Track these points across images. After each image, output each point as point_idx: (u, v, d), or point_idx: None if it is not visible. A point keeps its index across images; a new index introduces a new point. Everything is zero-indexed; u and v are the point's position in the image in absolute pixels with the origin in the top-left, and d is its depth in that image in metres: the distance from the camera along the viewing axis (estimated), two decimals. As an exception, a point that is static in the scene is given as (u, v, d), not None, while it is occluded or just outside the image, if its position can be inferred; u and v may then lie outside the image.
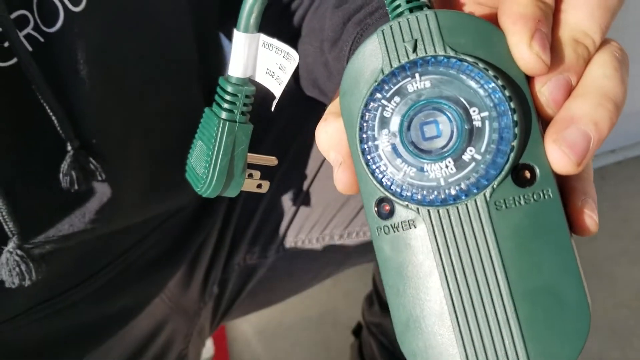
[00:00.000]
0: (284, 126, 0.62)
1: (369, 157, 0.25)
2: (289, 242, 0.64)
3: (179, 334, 0.64)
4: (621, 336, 1.00)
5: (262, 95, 0.37)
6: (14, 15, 0.40)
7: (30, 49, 0.41)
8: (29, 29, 0.41)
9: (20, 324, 0.50)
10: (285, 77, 0.32)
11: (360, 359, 0.89)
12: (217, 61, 0.60)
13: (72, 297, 0.53)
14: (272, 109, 0.32)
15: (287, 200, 0.63)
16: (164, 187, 0.54)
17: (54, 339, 0.54)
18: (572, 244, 0.24)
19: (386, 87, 0.25)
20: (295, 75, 0.57)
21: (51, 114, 0.42)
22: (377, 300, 0.83)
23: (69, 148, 0.43)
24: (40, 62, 0.40)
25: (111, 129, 0.46)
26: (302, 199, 0.63)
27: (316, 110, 0.61)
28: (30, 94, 0.41)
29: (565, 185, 0.25)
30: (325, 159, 0.61)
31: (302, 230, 0.63)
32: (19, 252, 0.43)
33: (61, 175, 0.44)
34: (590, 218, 0.25)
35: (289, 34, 0.51)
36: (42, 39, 0.41)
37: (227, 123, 0.34)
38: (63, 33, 0.41)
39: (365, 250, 0.65)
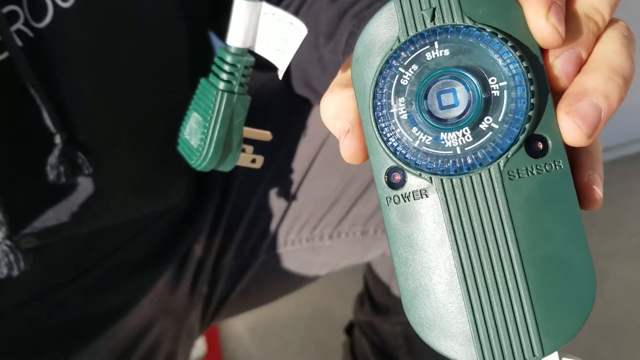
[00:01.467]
0: (273, 126, 0.62)
1: (383, 125, 0.25)
2: (279, 242, 0.64)
3: (168, 334, 0.64)
4: (613, 333, 1.00)
5: (253, 93, 0.36)
6: (4, 10, 0.40)
7: (20, 44, 0.41)
8: (19, 24, 0.41)
9: (8, 321, 0.50)
10: (291, 48, 0.30)
11: (352, 358, 0.89)
12: (208, 60, 0.60)
13: (60, 295, 0.52)
14: (280, 77, 0.32)
15: (277, 200, 0.63)
16: (152, 186, 0.54)
17: (41, 337, 0.54)
18: (580, 215, 0.25)
19: (403, 55, 0.25)
20: (286, 75, 0.57)
21: (42, 107, 0.42)
22: (368, 299, 0.83)
23: (57, 141, 0.43)
24: (30, 57, 0.41)
25: (99, 125, 0.46)
26: (292, 198, 0.62)
27: (306, 109, 0.61)
28: (21, 87, 0.41)
29: (574, 159, 0.26)
30: (314, 159, 0.61)
31: (292, 230, 0.63)
32: (7, 242, 0.43)
33: (49, 167, 0.44)
34: (596, 192, 0.25)
35: None
36: (31, 34, 0.41)
37: (226, 94, 0.33)
38: (52, 29, 0.42)
39: (357, 251, 0.65)
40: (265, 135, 0.37)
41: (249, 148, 0.36)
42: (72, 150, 0.44)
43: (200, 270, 0.65)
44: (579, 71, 0.25)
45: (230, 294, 0.67)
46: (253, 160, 0.36)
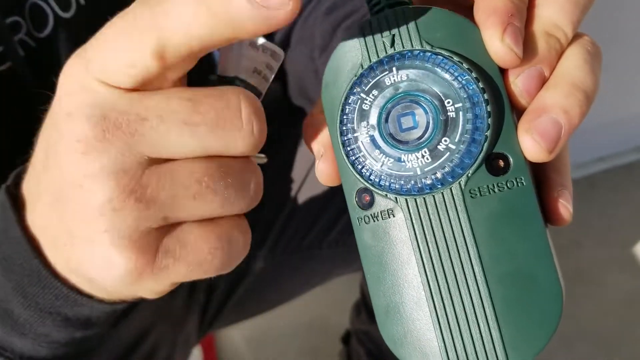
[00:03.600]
0: (270, 135, 0.62)
1: (349, 148, 0.26)
2: (277, 250, 0.64)
3: (164, 342, 0.64)
4: (609, 343, 1.01)
5: None
6: (7, 21, 0.41)
7: (22, 53, 0.42)
8: (21, 34, 0.42)
9: None
10: (271, 75, 0.32)
11: (348, 366, 0.90)
12: (206, 65, 0.60)
13: None
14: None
15: (274, 208, 0.63)
16: None
17: None
18: (546, 231, 0.25)
19: (365, 81, 0.26)
20: (284, 85, 0.58)
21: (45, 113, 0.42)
22: (364, 308, 0.83)
23: None
24: (32, 66, 0.41)
25: None
26: (289, 206, 0.63)
27: (302, 119, 0.62)
28: (23, 95, 0.42)
29: (542, 176, 0.26)
30: (310, 167, 0.61)
31: (290, 238, 0.64)
32: None
33: None
34: (564, 208, 0.26)
35: (278, 44, 0.51)
36: (33, 44, 0.42)
37: None
38: (53, 38, 0.42)
39: (352, 260, 0.65)
40: (261, 158, 0.39)
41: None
42: None
43: None
44: (541, 88, 0.25)
45: (227, 302, 0.67)
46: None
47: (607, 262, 1.12)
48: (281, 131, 0.62)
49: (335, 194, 0.61)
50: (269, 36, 0.53)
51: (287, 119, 0.61)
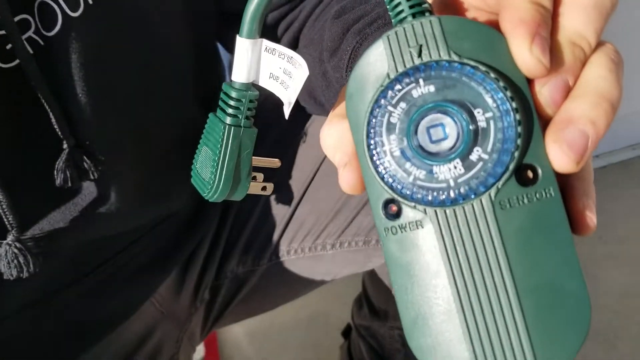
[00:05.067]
0: (277, 136, 0.63)
1: (378, 162, 0.26)
2: (282, 251, 0.65)
3: (170, 339, 0.64)
4: (605, 338, 1.02)
5: (258, 104, 0.37)
6: (16, 19, 0.41)
7: (31, 51, 0.42)
8: (30, 33, 0.42)
9: (10, 324, 0.51)
10: (292, 82, 0.31)
11: (349, 361, 0.90)
12: (215, 70, 0.60)
13: (62, 298, 0.53)
14: (287, 117, 0.32)
15: (280, 208, 0.63)
16: (156, 191, 0.54)
17: (43, 340, 0.54)
18: (573, 241, 0.25)
19: (391, 94, 0.26)
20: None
21: (50, 112, 0.42)
22: (366, 303, 0.84)
23: (65, 146, 0.44)
24: (40, 64, 0.41)
25: (105, 131, 0.47)
26: (295, 207, 0.63)
27: (310, 120, 0.62)
28: (31, 93, 0.42)
29: (566, 184, 0.26)
30: (318, 168, 0.62)
31: (295, 239, 0.64)
32: (17, 244, 0.44)
33: (56, 172, 0.44)
34: (590, 218, 0.26)
35: (287, 46, 0.51)
36: (42, 42, 0.42)
37: (232, 128, 0.34)
38: (61, 37, 0.42)
39: (359, 260, 0.65)
40: (274, 162, 0.39)
41: (260, 176, 0.37)
42: (78, 155, 0.45)
43: (202, 276, 0.65)
44: (566, 97, 0.25)
45: (232, 301, 0.68)
46: (263, 188, 0.37)
47: (604, 258, 1.13)
48: (287, 132, 0.63)
49: (342, 193, 0.62)
50: (276, 40, 0.54)
51: (293, 120, 0.62)
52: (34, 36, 0.42)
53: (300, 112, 0.59)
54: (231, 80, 0.34)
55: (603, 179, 1.24)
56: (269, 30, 0.54)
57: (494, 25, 0.26)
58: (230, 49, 0.60)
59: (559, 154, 0.24)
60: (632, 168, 1.27)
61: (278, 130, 0.62)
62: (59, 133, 0.43)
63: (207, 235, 0.64)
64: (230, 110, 0.34)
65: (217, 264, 0.66)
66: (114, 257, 0.56)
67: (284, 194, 0.63)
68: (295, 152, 0.62)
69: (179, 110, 0.54)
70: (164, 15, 0.49)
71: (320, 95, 0.49)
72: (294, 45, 0.51)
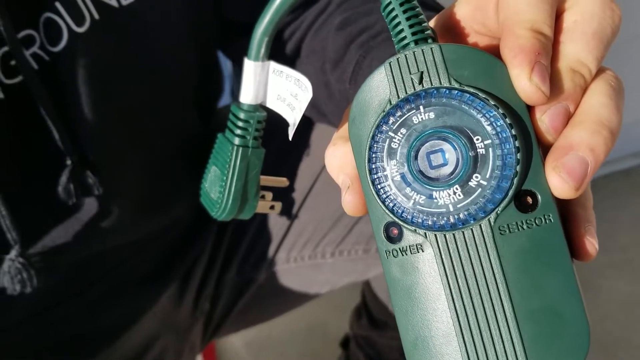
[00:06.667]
0: (277, 144, 0.63)
1: (379, 186, 0.26)
2: (281, 259, 0.65)
3: (170, 350, 0.64)
4: (606, 348, 1.01)
5: (264, 126, 0.37)
6: (21, 34, 0.41)
7: (36, 67, 0.42)
8: (35, 48, 0.42)
9: (11, 335, 0.51)
10: (298, 104, 0.32)
11: (348, 371, 0.90)
12: (215, 79, 0.60)
13: (63, 309, 0.53)
14: (290, 138, 0.33)
15: (279, 217, 0.63)
16: (157, 202, 0.55)
17: (44, 351, 0.54)
18: (572, 267, 0.25)
19: (392, 120, 0.26)
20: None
21: (53, 128, 0.43)
22: (365, 313, 0.83)
23: (68, 162, 0.44)
24: (45, 80, 0.42)
25: (109, 145, 0.47)
26: (295, 216, 0.63)
27: (310, 128, 0.62)
28: (34, 109, 0.42)
29: (567, 211, 0.26)
30: (317, 177, 0.62)
31: (294, 248, 0.64)
32: (20, 259, 0.44)
33: (60, 188, 0.45)
34: (591, 244, 0.26)
35: (288, 55, 0.51)
36: (47, 58, 0.42)
37: (241, 149, 0.35)
38: (67, 53, 0.43)
39: (358, 270, 0.65)
40: (282, 182, 0.39)
41: (268, 195, 0.38)
42: (82, 171, 0.45)
43: (203, 286, 0.65)
44: (566, 124, 0.25)
45: (232, 310, 0.68)
46: (272, 207, 0.38)
47: (605, 267, 1.13)
48: (288, 141, 0.63)
49: (340, 204, 0.61)
50: (278, 48, 0.53)
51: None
52: (39, 52, 0.42)
53: (301, 122, 0.59)
54: (239, 102, 0.34)
55: (605, 188, 1.24)
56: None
57: (496, 51, 0.26)
58: (232, 57, 0.61)
59: (559, 180, 0.24)
60: (634, 176, 1.27)
61: (279, 139, 0.62)
62: (63, 149, 0.43)
63: (207, 245, 0.64)
64: (238, 131, 0.35)
65: (217, 273, 0.66)
66: (116, 269, 0.56)
67: (284, 202, 0.63)
68: (295, 160, 0.62)
69: (181, 119, 0.54)
70: (168, 27, 0.49)
71: (323, 105, 0.49)
72: (295, 55, 0.51)
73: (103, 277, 0.55)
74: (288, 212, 0.63)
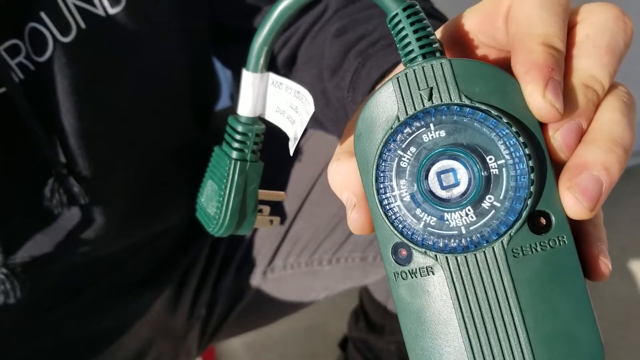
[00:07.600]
0: (274, 150, 0.62)
1: (388, 207, 0.25)
2: (278, 266, 0.64)
3: (166, 356, 0.64)
4: (607, 349, 1.01)
5: (262, 140, 0.37)
6: (6, 44, 0.41)
7: (22, 76, 0.41)
8: (20, 58, 0.42)
9: (4, 342, 0.50)
10: (299, 117, 0.31)
11: (347, 373, 0.90)
12: (210, 85, 0.60)
13: (54, 316, 0.53)
14: (291, 153, 0.32)
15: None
16: (148, 211, 0.54)
17: (35, 358, 0.54)
18: (586, 288, 0.25)
19: (401, 137, 0.25)
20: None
21: (38, 139, 0.42)
22: (363, 317, 0.83)
23: (54, 172, 0.44)
24: (31, 90, 0.41)
25: (96, 154, 0.46)
26: (292, 222, 0.63)
27: (306, 136, 0.61)
28: (19, 119, 0.41)
29: (578, 229, 0.26)
30: (314, 184, 0.61)
31: (291, 254, 0.63)
32: (3, 270, 0.43)
33: (45, 197, 0.44)
34: (604, 265, 0.25)
35: (284, 62, 0.51)
36: (32, 68, 0.42)
37: (239, 162, 0.33)
38: (52, 62, 0.42)
39: (354, 276, 0.65)
40: (280, 196, 0.38)
41: (266, 209, 0.36)
42: (68, 180, 0.44)
43: (198, 292, 0.65)
44: (579, 141, 0.24)
45: (228, 316, 0.67)
46: (270, 221, 0.37)
47: (605, 268, 1.12)
48: (284, 148, 0.62)
49: (339, 209, 0.61)
50: (272, 54, 0.53)
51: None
52: (24, 61, 0.42)
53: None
54: (237, 114, 0.33)
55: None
56: None
57: (505, 64, 0.25)
58: (227, 63, 0.60)
59: (573, 200, 0.23)
60: (635, 177, 1.26)
61: (275, 147, 0.62)
62: (48, 158, 0.43)
63: (203, 252, 0.64)
64: (236, 145, 0.33)
65: (213, 279, 0.65)
66: (105, 276, 0.55)
67: (281, 209, 0.62)
68: (291, 168, 0.62)
69: (173, 126, 0.53)
70: (159, 35, 0.48)
71: (319, 113, 0.48)
72: (291, 62, 0.51)
73: (92, 285, 0.54)
74: (285, 218, 0.62)
